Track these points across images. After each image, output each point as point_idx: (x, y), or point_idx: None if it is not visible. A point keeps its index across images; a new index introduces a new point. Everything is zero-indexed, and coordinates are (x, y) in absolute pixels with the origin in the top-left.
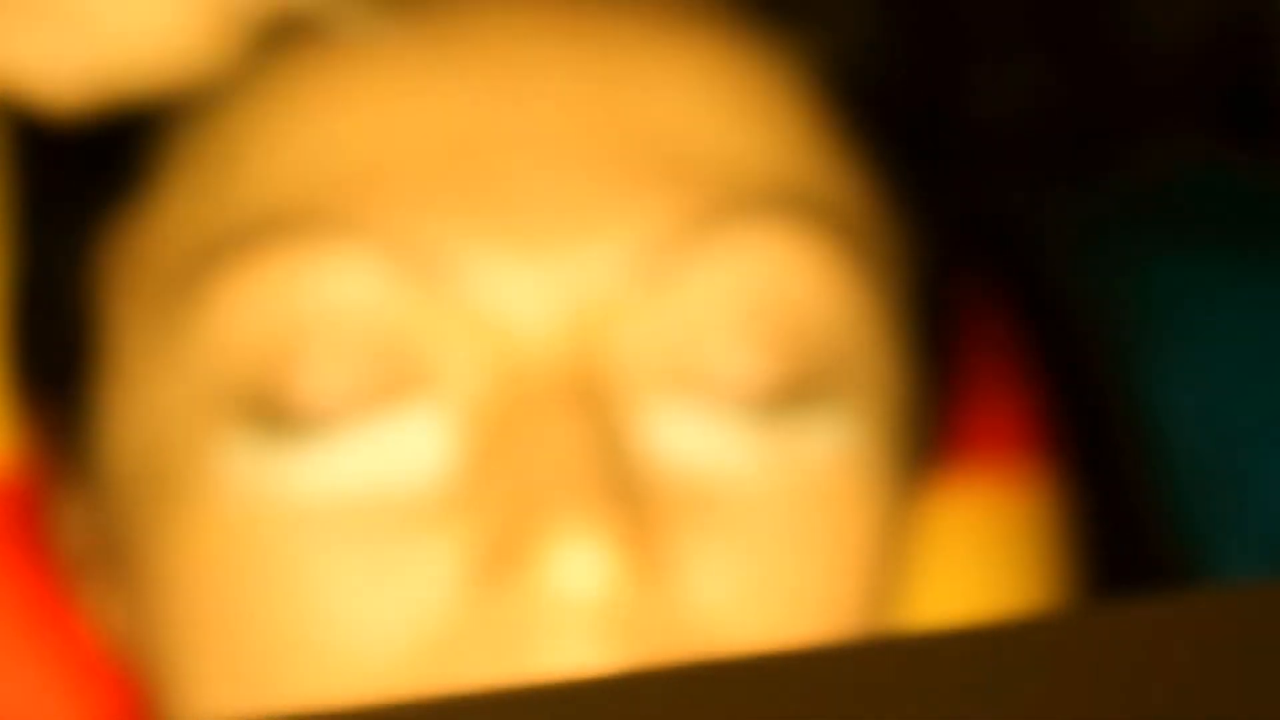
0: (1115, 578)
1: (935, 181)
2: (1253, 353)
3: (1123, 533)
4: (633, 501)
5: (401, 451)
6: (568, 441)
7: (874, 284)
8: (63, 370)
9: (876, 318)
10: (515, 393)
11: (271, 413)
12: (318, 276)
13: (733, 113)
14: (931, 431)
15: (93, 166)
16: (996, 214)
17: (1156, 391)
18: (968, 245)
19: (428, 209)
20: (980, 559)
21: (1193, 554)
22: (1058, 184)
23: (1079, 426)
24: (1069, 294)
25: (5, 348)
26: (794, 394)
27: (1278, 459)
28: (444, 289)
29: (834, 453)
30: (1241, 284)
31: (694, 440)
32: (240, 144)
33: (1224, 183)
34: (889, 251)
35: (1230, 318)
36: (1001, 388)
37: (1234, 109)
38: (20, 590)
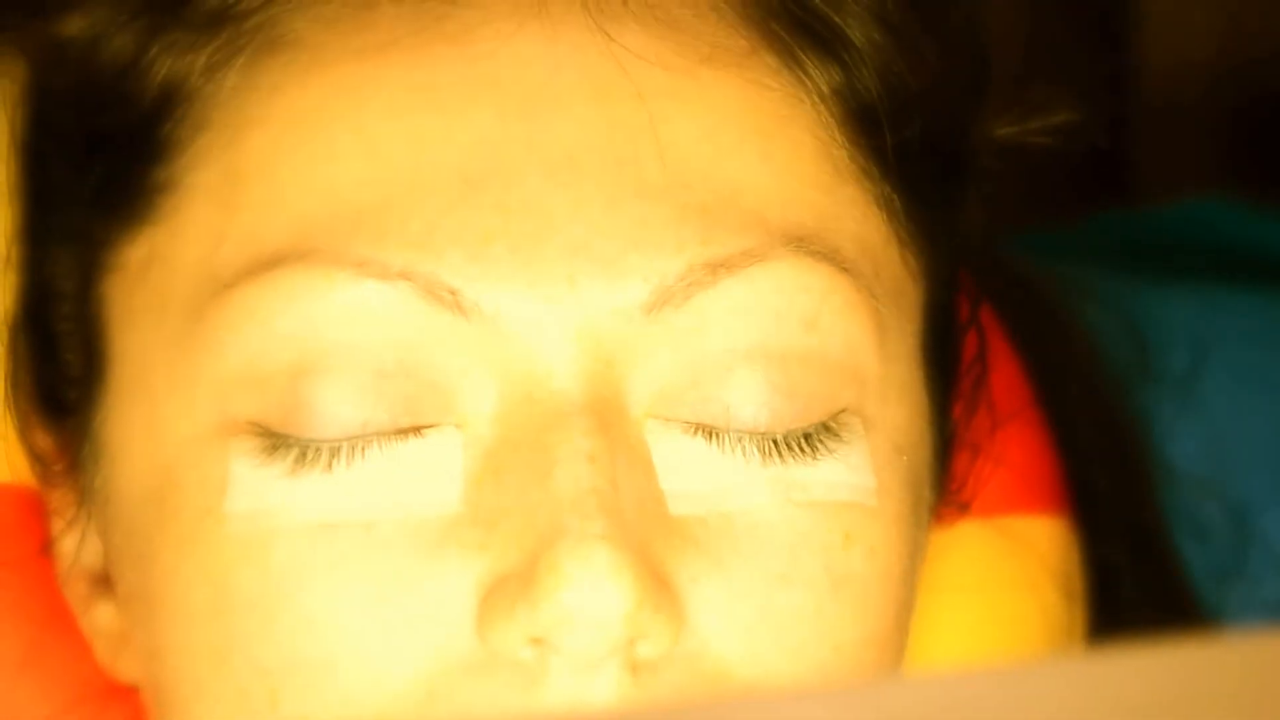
0: (1121, 620)
1: (950, 216)
2: (1256, 386)
3: (1128, 572)
4: (645, 534)
5: (413, 480)
6: (582, 473)
7: (890, 322)
8: (71, 393)
9: (893, 356)
10: (530, 422)
11: (283, 439)
12: (333, 304)
13: (753, 151)
14: (944, 470)
15: (103, 191)
16: (1003, 246)
17: (1160, 424)
18: (978, 278)
19: (446, 238)
20: (987, 598)
21: (1197, 590)
22: (1065, 216)
23: (1084, 461)
24: (1074, 326)
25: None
26: (810, 433)
27: (1277, 486)
28: (460, 319)
29: (849, 491)
30: (1247, 317)
31: (708, 476)
32: (254, 170)
33: (1231, 216)
34: (905, 289)
35: (1235, 351)
36: (1010, 424)
37: (1247, 144)
38: (29, 604)
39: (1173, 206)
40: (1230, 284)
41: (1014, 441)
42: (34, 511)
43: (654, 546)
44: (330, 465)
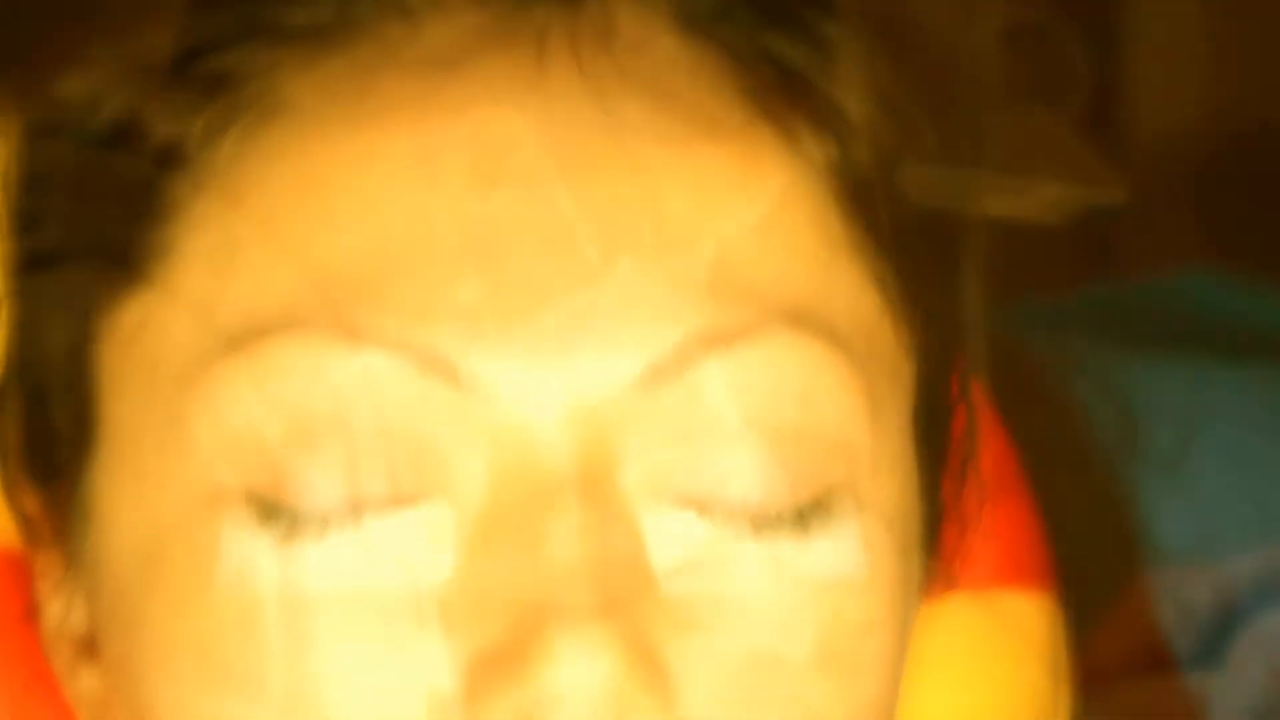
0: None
1: (943, 290)
2: (1245, 464)
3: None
4: (635, 610)
5: (403, 551)
6: (572, 548)
7: (883, 398)
8: (60, 456)
9: (885, 432)
10: (521, 496)
11: (273, 508)
12: (327, 373)
13: (748, 225)
14: (933, 545)
15: (97, 254)
16: (991, 319)
17: (1148, 501)
18: (968, 353)
19: (441, 309)
20: (973, 672)
21: (1182, 671)
22: (1054, 288)
23: (1071, 538)
24: (1062, 399)
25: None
26: (802, 510)
27: (1264, 568)
28: (453, 391)
29: (839, 568)
30: (1236, 393)
31: (699, 551)
32: (250, 237)
33: (1222, 290)
34: (898, 364)
35: (1224, 428)
36: (998, 499)
37: (1238, 217)
38: (13, 669)
39: (1163, 280)
40: (1220, 359)
41: (1002, 516)
42: (19, 575)
43: (643, 622)
44: (321, 535)
